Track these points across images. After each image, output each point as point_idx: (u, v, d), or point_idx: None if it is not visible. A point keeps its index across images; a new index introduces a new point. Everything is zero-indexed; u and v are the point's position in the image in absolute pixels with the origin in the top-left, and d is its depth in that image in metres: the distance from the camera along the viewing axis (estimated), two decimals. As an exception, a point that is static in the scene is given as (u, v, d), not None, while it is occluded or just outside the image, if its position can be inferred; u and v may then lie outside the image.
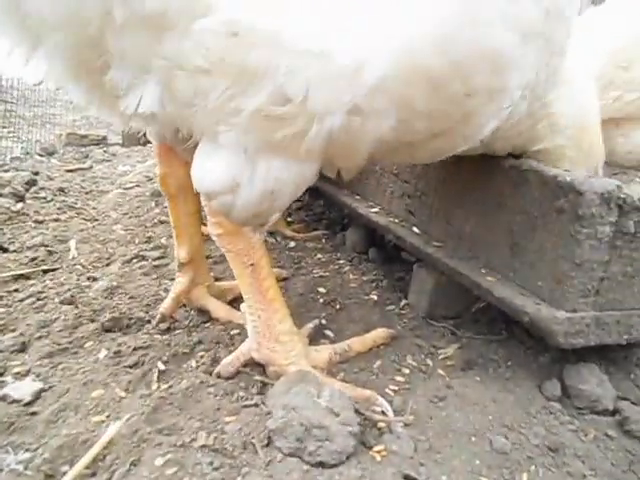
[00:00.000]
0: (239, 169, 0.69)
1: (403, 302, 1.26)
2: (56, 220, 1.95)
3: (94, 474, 0.68)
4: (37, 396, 0.83)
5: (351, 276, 1.42)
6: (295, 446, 0.71)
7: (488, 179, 1.03)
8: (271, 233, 1.74)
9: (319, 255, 1.56)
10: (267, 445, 0.73)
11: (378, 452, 0.74)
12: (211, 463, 0.69)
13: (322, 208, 2.12)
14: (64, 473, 0.66)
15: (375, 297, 1.29)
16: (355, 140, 0.72)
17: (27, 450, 0.70)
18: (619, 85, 1.31)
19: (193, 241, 1.05)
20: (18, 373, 0.89)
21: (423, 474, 0.71)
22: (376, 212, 1.44)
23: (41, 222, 1.91)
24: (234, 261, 0.83)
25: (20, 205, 2.02)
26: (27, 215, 1.96)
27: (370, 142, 0.74)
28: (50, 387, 0.86)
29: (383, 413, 0.83)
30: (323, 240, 1.72)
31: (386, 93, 0.66)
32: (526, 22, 0.69)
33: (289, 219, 2.01)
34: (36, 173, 2.53)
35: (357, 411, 0.78)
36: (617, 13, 1.43)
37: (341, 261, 1.53)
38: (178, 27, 0.57)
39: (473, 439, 0.81)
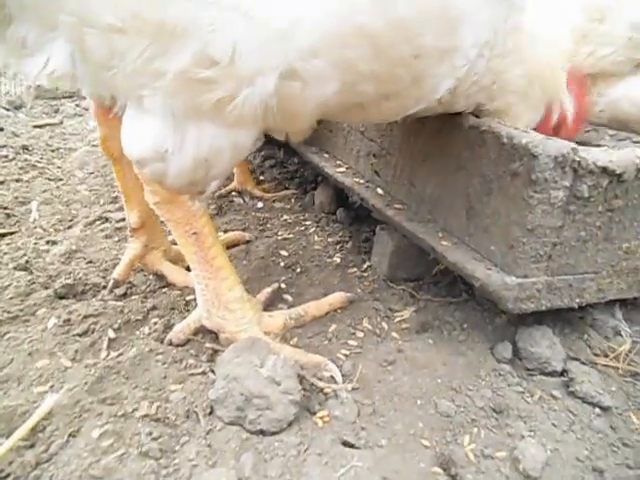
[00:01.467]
0: (168, 135, 0.64)
1: (366, 264, 1.25)
2: (17, 180, 1.88)
3: (32, 446, 0.68)
4: (-18, 369, 0.82)
5: (316, 238, 1.39)
6: (236, 415, 0.71)
7: (449, 139, 0.99)
8: (239, 192, 1.70)
9: (286, 216, 1.53)
10: (210, 414, 0.74)
11: (321, 418, 0.75)
12: (150, 433, 0.69)
13: (296, 166, 2.06)
14: (0, 445, 0.66)
15: (338, 259, 1.28)
16: (296, 105, 0.67)
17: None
18: (592, 39, 1.23)
19: (144, 205, 1.01)
20: (-34, 345, 0.88)
21: (363, 438, 0.72)
22: (342, 172, 1.40)
23: (1, 182, 1.84)
24: (175, 230, 0.80)
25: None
26: (-15, 175, 1.88)
27: (314, 106, 0.69)
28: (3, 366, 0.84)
29: (333, 378, 0.84)
30: (292, 200, 1.69)
31: (325, 56, 0.61)
32: None
33: (261, 177, 1.96)
34: (0, 129, 2.42)
35: (302, 378, 0.79)
36: None
37: (308, 222, 1.50)
38: None
39: (419, 402, 0.82)
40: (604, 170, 0.79)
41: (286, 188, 1.81)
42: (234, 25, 0.56)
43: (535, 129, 1.00)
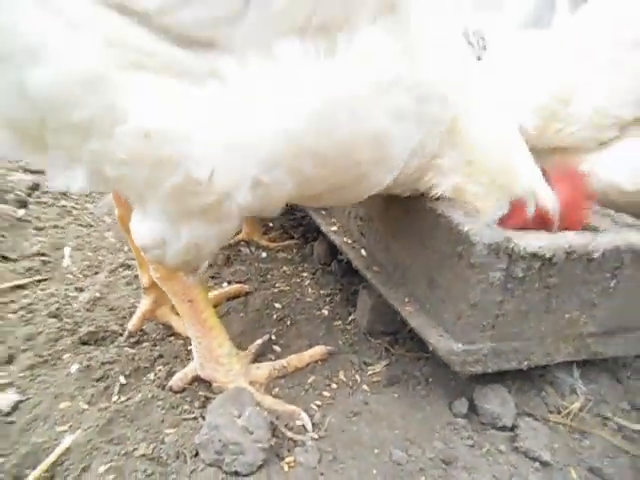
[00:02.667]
0: (165, 231, 0.82)
1: (351, 317, 1.39)
2: (55, 226, 2.12)
3: (52, 477, 0.84)
4: (15, 407, 1.00)
5: (310, 290, 1.55)
6: (215, 458, 0.86)
7: (414, 216, 1.14)
8: (247, 242, 1.88)
9: (285, 267, 1.70)
10: (195, 456, 0.89)
11: (287, 463, 0.89)
12: (145, 470, 0.84)
13: (303, 213, 2.24)
14: (26, 476, 0.83)
15: (326, 312, 1.43)
16: (265, 202, 0.84)
17: (1, 455, 0.87)
18: (561, 118, 1.37)
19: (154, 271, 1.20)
20: (2, 384, 1.07)
21: (321, 483, 0.86)
22: (335, 230, 1.55)
23: (41, 229, 2.08)
24: (174, 298, 0.98)
25: (22, 211, 2.19)
26: (29, 222, 2.13)
27: (279, 201, 0.87)
28: (27, 399, 1.02)
29: (304, 427, 0.98)
30: (294, 250, 1.85)
31: (282, 167, 0.78)
32: (399, 107, 0.79)
33: (270, 224, 2.15)
34: (40, 173, 2.70)
35: (275, 427, 0.93)
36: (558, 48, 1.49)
37: (305, 274, 1.66)
38: (102, 131, 0.69)
39: (376, 451, 0.95)
40: (534, 255, 0.92)
41: (291, 237, 1.98)
42: (212, 155, 0.74)
43: (509, 217, 1.12)
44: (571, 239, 0.96)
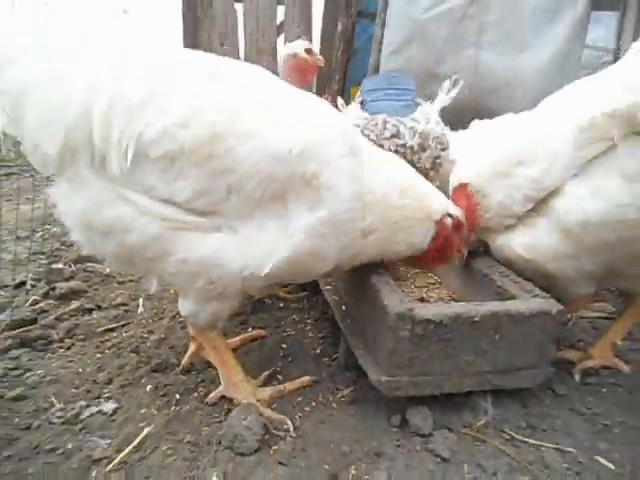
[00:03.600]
0: (195, 308, 1.44)
1: (335, 355, 1.94)
2: (131, 280, 2.84)
3: (137, 451, 1.45)
4: (114, 411, 1.63)
5: (310, 334, 2.12)
6: (229, 444, 1.43)
7: (364, 284, 1.68)
8: (270, 296, 2.48)
9: (294, 315, 2.28)
10: (219, 443, 1.47)
11: (273, 450, 1.44)
12: (190, 449, 1.43)
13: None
14: (123, 450, 1.44)
15: (318, 351, 1.98)
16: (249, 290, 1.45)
17: (109, 438, 1.49)
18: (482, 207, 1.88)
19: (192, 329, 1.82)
20: (107, 397, 1.71)
21: (291, 462, 1.40)
22: (329, 289, 2.12)
23: (122, 283, 2.81)
24: (205, 345, 1.59)
25: (108, 269, 2.93)
26: (113, 277, 2.87)
27: (264, 285, 1.47)
28: (121, 406, 1.65)
29: (288, 429, 1.53)
30: (304, 301, 2.43)
31: (262, 279, 1.38)
32: (328, 238, 1.38)
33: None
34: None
35: (267, 428, 1.49)
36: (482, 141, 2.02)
37: (309, 320, 2.23)
38: (162, 260, 1.33)
39: (331, 446, 1.47)
40: (429, 320, 1.44)
41: (304, 290, 2.56)
42: (220, 271, 1.35)
43: (437, 235, 1.69)
44: (456, 309, 1.47)
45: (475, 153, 2.11)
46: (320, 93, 6.37)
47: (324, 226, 1.39)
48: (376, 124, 2.12)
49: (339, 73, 6.22)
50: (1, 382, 1.75)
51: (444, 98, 2.46)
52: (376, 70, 5.03)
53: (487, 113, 5.23)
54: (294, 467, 1.39)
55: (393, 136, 2.03)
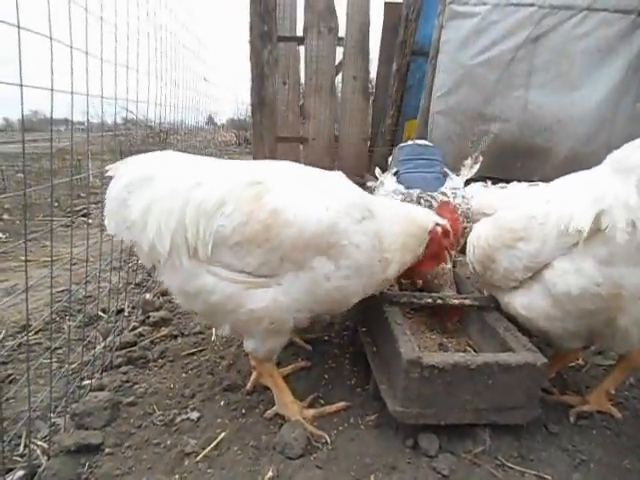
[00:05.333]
0: (257, 345, 1.99)
1: (367, 386, 2.41)
2: (206, 312, 3.46)
3: (216, 449, 1.99)
4: (198, 419, 2.19)
5: (347, 367, 2.60)
6: (282, 449, 1.94)
7: (387, 333, 2.15)
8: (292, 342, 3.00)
9: (336, 350, 2.77)
10: (274, 448, 1.98)
11: (313, 456, 1.93)
12: (253, 446, 1.96)
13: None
14: (205, 449, 1.99)
15: (353, 382, 2.46)
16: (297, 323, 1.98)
17: (195, 439, 2.05)
18: (490, 269, 2.32)
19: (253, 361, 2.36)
20: (192, 408, 2.28)
21: (326, 468, 1.88)
22: (363, 331, 2.60)
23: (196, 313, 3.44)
24: (262, 372, 2.13)
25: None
26: (192, 308, 3.50)
27: (307, 319, 2.00)
28: (202, 416, 2.22)
29: (325, 441, 2.02)
30: (345, 337, 2.92)
31: (307, 311, 1.91)
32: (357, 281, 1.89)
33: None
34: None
35: (309, 439, 1.99)
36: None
37: (347, 355, 2.72)
38: (234, 312, 1.90)
39: (357, 457, 1.94)
40: (433, 366, 1.88)
41: (347, 327, 3.05)
42: (275, 314, 1.89)
43: (430, 244, 2.25)
44: (457, 358, 1.91)
45: (492, 220, 2.52)
46: (376, 127, 6.94)
47: (347, 270, 1.96)
48: (411, 200, 2.63)
49: (393, 109, 6.76)
50: (119, 391, 2.38)
51: (467, 173, 2.92)
52: (427, 112, 5.46)
53: (539, 150, 5.59)
54: (328, 471, 1.88)
55: None
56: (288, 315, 1.95)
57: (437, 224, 2.27)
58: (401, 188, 2.76)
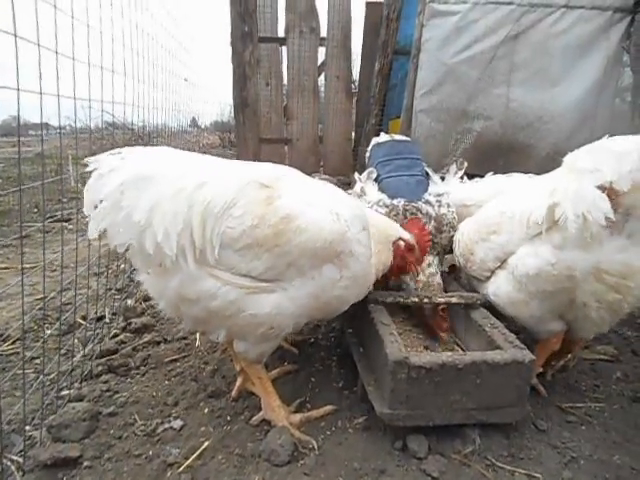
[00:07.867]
0: (250, 347, 1.93)
1: (355, 388, 2.36)
2: (190, 317, 3.39)
3: (199, 458, 1.93)
4: (181, 427, 2.13)
5: (334, 369, 2.56)
6: (267, 457, 1.89)
7: (374, 334, 2.11)
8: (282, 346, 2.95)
9: (322, 352, 2.73)
10: (259, 455, 1.93)
11: (301, 463, 1.88)
12: (239, 452, 1.90)
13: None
14: (196, 452, 1.93)
15: (341, 385, 2.42)
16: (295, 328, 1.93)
17: (176, 448, 1.99)
18: (470, 261, 2.37)
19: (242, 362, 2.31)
20: (175, 416, 2.21)
21: (314, 475, 1.83)
22: (350, 332, 2.56)
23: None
24: (251, 375, 2.07)
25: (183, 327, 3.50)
26: (175, 313, 3.43)
27: (302, 323, 1.95)
28: (185, 424, 2.16)
29: (312, 447, 1.97)
30: (332, 339, 2.88)
31: (304, 317, 1.87)
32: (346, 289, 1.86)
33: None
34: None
35: (296, 445, 1.94)
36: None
37: (334, 357, 2.68)
38: (234, 316, 1.84)
39: (345, 463, 1.90)
40: (420, 366, 1.85)
41: (333, 329, 3.00)
42: (276, 319, 1.84)
43: (395, 256, 2.32)
44: (444, 358, 1.88)
45: (473, 218, 2.55)
46: (360, 127, 6.92)
47: (347, 280, 1.97)
48: (397, 213, 2.62)
49: (377, 108, 6.74)
50: (99, 401, 2.30)
51: (452, 180, 2.93)
52: (410, 110, 5.45)
53: (522, 146, 5.61)
54: (316, 478, 1.83)
55: None
56: (290, 320, 1.92)
57: (400, 239, 2.36)
58: (385, 199, 2.74)
